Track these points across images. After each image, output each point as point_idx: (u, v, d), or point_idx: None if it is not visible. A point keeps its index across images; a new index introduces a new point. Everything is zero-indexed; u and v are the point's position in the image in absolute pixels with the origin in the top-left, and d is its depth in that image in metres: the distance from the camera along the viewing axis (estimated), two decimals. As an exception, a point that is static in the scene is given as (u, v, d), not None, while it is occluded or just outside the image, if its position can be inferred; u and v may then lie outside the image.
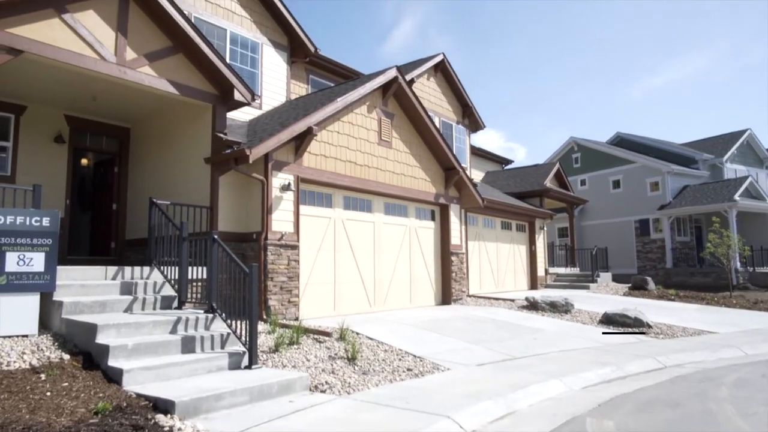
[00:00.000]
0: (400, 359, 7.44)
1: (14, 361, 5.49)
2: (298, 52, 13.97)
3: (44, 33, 7.51)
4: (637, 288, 19.22)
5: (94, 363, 5.74)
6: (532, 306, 13.20)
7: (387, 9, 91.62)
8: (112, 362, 5.55)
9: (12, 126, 9.94)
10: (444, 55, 18.61)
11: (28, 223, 6.50)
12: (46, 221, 6.65)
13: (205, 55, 9.14)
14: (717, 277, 22.55)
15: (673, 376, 7.26)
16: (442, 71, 18.97)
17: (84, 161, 11.93)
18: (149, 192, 10.11)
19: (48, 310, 6.71)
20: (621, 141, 32.40)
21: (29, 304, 6.41)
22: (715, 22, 76.53)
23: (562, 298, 13.21)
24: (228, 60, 11.75)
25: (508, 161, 26.96)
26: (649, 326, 11.02)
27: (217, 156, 9.38)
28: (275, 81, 13.30)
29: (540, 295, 14.42)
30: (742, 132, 30.51)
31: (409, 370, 6.98)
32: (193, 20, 11.00)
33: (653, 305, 15.02)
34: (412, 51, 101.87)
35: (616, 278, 22.95)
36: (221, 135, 9.46)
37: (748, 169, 29.65)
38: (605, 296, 17.33)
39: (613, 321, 11.40)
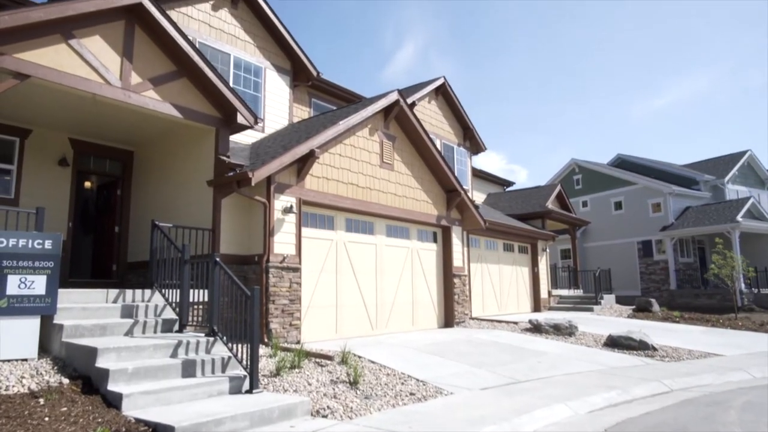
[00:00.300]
0: (402, 383, 7.35)
1: (13, 386, 5.44)
2: (301, 76, 14.13)
3: (51, 58, 7.61)
4: (641, 310, 19.07)
5: (94, 387, 5.69)
6: (536, 328, 13.09)
7: (388, 33, 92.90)
8: (112, 386, 5.50)
9: (17, 149, 10.01)
10: (445, 79, 18.81)
11: (30, 245, 6.50)
12: (48, 244, 6.65)
13: (209, 79, 9.24)
14: (722, 298, 22.38)
15: (679, 400, 7.16)
16: (443, 94, 19.15)
17: (87, 184, 11.99)
18: (152, 214, 10.13)
19: (48, 333, 6.68)
20: (622, 162, 32.52)
21: (30, 327, 6.37)
22: (715, 44, 77.42)
23: (566, 320, 13.10)
24: (231, 84, 11.86)
25: (510, 183, 27.02)
26: (655, 349, 10.91)
27: (219, 178, 9.41)
28: (278, 104, 13.43)
29: (543, 317, 14.32)
30: (743, 153, 30.62)
31: (411, 394, 6.89)
32: (197, 45, 11.15)
33: (658, 327, 14.88)
34: (413, 74, 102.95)
35: (620, 300, 22.80)
36: (224, 158, 9.51)
37: (750, 190, 29.68)
38: (609, 318, 17.19)
39: (617, 344, 11.29)
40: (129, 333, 7.14)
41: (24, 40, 7.33)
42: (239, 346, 6.55)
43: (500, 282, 18.06)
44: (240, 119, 9.60)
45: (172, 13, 11.12)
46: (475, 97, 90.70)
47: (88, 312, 7.19)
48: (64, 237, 9.84)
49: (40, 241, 6.60)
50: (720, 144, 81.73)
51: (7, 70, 7.17)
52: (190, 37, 10.57)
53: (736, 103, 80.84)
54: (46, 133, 10.36)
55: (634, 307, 19.86)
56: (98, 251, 11.64)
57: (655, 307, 19.06)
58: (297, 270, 9.82)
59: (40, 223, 6.84)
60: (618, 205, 29.16)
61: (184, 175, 10.30)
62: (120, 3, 8.26)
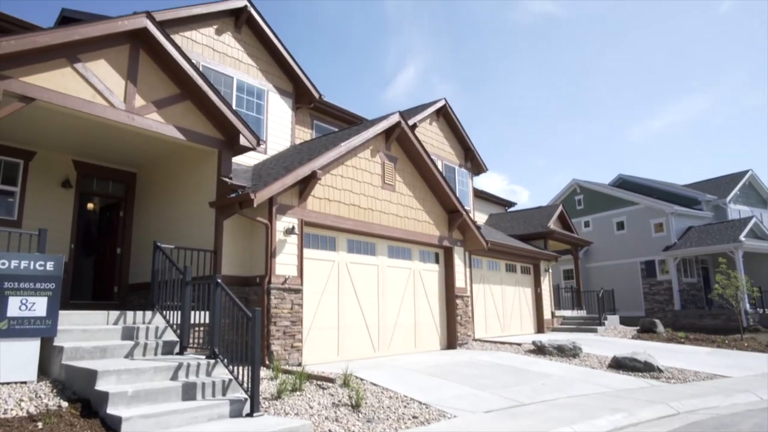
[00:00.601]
0: (405, 406, 7.27)
1: (11, 409, 5.39)
2: (303, 99, 14.25)
3: (56, 81, 7.70)
4: (646, 331, 18.90)
5: (93, 410, 5.63)
6: (540, 350, 12.97)
7: (389, 57, 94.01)
8: (111, 410, 5.43)
9: (20, 171, 10.07)
10: (446, 101, 18.96)
11: (32, 267, 6.50)
12: (50, 265, 6.65)
13: (212, 102, 9.33)
14: (727, 319, 22.22)
15: (686, 423, 7.05)
16: (444, 116, 19.29)
17: (90, 205, 12.03)
18: (154, 236, 10.14)
19: (48, 355, 6.63)
20: (623, 183, 32.59)
21: (29, 349, 6.33)
22: (714, 66, 78.08)
23: (570, 341, 12.98)
24: (234, 106, 11.98)
25: (512, 203, 27.05)
26: (660, 370, 10.79)
27: (221, 200, 9.44)
28: (280, 126, 13.53)
29: (547, 338, 14.21)
30: (744, 173, 30.68)
31: (414, 417, 6.81)
32: (201, 69, 11.29)
33: (663, 348, 14.74)
34: (414, 96, 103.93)
35: (624, 321, 22.63)
36: (226, 179, 9.55)
37: (752, 210, 29.67)
38: (613, 339, 17.04)
39: (622, 365, 11.17)
40: (129, 355, 7.09)
41: (30, 64, 7.43)
42: (240, 368, 6.49)
43: (503, 303, 17.96)
44: (242, 141, 9.68)
45: (177, 37, 11.27)
46: (476, 119, 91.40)
47: (88, 334, 7.15)
48: (66, 258, 9.85)
49: (42, 263, 6.59)
50: (720, 164, 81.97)
51: (13, 93, 7.26)
52: (194, 61, 10.74)
53: (735, 124, 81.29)
54: (50, 155, 10.43)
55: (638, 327, 19.70)
56: (100, 273, 11.63)
57: (660, 327, 18.90)
58: (299, 291, 9.78)
59: (42, 244, 6.84)
60: (620, 225, 29.13)
61: (187, 196, 10.34)
62: (125, 28, 8.39)
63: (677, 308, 25.64)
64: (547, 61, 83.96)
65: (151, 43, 8.80)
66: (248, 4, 12.86)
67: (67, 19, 11.79)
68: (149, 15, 8.67)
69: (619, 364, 11.26)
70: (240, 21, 12.88)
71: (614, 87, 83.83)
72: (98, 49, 8.23)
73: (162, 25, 9.37)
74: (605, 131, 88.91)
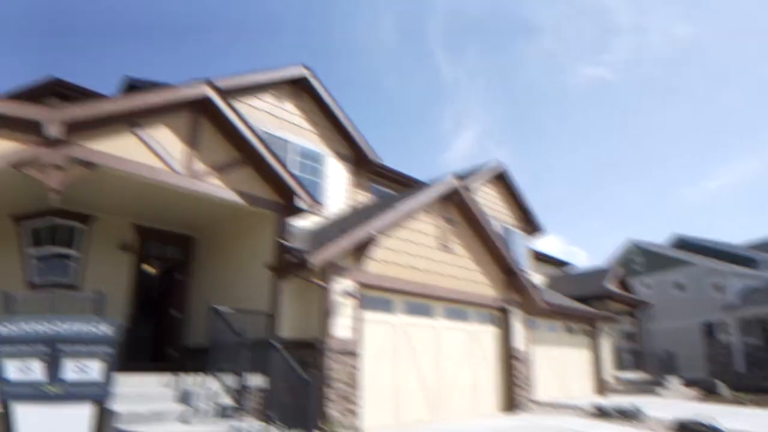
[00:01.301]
0: (472, 481, 6.73)
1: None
2: (361, 163, 14.37)
3: (118, 147, 7.84)
4: (708, 393, 17.98)
5: (149, 480, 5.39)
6: (601, 413, 12.35)
7: (446, 121, 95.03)
8: (168, 480, 5.19)
9: (81, 235, 10.30)
10: (502, 163, 18.99)
11: (88, 330, 6.43)
12: (106, 329, 6.56)
13: (272, 167, 9.40)
14: (795, 381, 20.65)
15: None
16: (501, 178, 19.21)
17: (148, 268, 12.19)
18: (210, 298, 10.10)
19: (102, 420, 6.46)
20: (680, 243, 31.90)
21: (83, 414, 6.16)
22: (763, 128, 75.80)
23: (632, 404, 12.42)
24: (293, 170, 12.09)
25: (568, 264, 26.40)
26: (727, 435, 9.96)
27: (278, 262, 9.39)
28: (338, 189, 13.60)
29: (607, 401, 13.66)
30: (803, 231, 29.27)
31: (484, 495, 6.27)
32: (260, 134, 11.55)
33: (727, 411, 13.76)
34: (470, 158, 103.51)
35: (686, 383, 21.38)
36: (284, 242, 9.51)
37: (812, 270, 28.18)
38: (676, 402, 16.24)
39: (687, 429, 10.47)
40: (184, 420, 6.91)
41: (93, 130, 7.58)
42: (296, 434, 6.19)
43: (561, 365, 17.14)
44: (300, 204, 9.69)
45: (236, 104, 11.54)
46: (531, 180, 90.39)
47: (143, 398, 7.04)
48: (124, 321, 9.88)
49: (99, 326, 6.52)
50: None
51: (78, 159, 7.39)
52: (254, 126, 10.98)
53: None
54: (110, 219, 10.68)
55: (700, 390, 18.69)
56: (157, 336, 11.64)
57: (723, 390, 17.93)
58: (355, 354, 9.48)
59: (100, 308, 6.84)
60: (679, 286, 28.13)
61: (243, 258, 10.35)
62: (186, 96, 8.59)
63: (740, 370, 24.25)
64: (601, 122, 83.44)
65: (212, 111, 8.99)
66: (308, 75, 13.24)
67: (131, 87, 12.32)
68: (210, 83, 8.88)
69: (683, 428, 10.58)
70: (300, 89, 13.25)
71: (667, 148, 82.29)
72: (160, 115, 8.39)
73: (222, 93, 9.65)
74: (659, 192, 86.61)
